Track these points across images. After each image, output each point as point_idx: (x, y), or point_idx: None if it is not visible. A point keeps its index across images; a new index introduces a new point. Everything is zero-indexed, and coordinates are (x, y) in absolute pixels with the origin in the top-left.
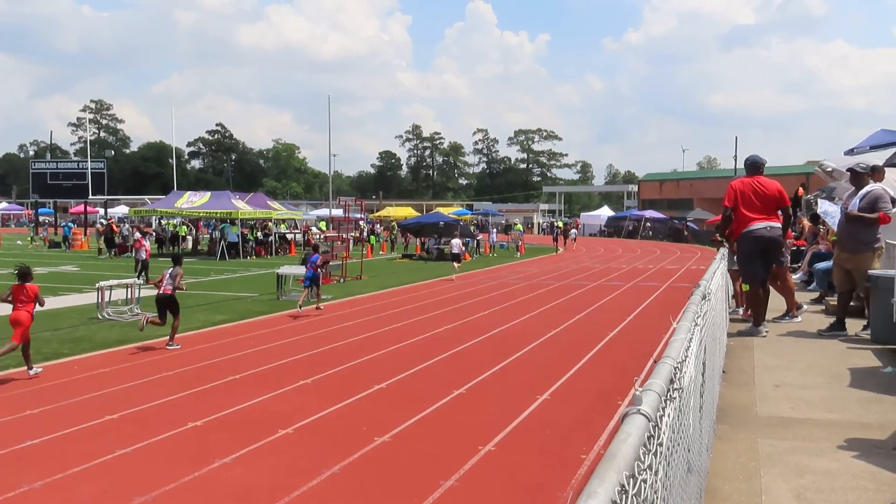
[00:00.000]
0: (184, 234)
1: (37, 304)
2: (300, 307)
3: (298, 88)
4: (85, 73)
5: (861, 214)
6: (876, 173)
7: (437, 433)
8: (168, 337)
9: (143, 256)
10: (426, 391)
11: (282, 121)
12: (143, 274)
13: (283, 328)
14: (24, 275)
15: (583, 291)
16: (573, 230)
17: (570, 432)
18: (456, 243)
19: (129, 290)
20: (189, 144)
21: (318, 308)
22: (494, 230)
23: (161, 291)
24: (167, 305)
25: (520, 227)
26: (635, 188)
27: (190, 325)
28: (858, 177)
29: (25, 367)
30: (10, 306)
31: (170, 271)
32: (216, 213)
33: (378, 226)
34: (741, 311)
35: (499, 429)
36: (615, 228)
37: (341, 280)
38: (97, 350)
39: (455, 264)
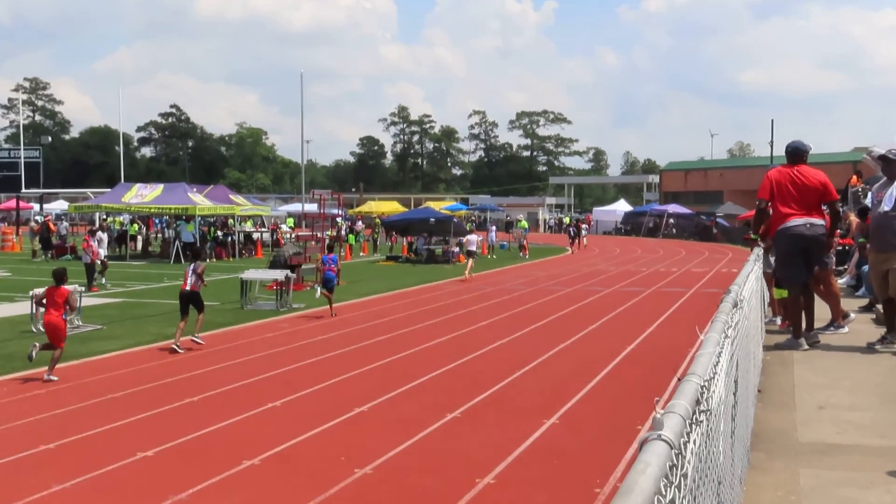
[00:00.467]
0: (134, 232)
1: (67, 308)
2: (333, 314)
3: (265, 64)
4: (17, 47)
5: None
6: None
7: (428, 464)
8: (194, 333)
9: (89, 260)
10: (415, 414)
11: (246, 102)
12: (91, 279)
13: (247, 342)
14: (59, 276)
15: (596, 299)
16: (584, 226)
17: (581, 462)
18: (474, 239)
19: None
20: (139, 129)
21: (332, 315)
22: (494, 228)
23: (185, 288)
24: (191, 301)
25: (524, 223)
26: (656, 179)
27: (139, 338)
28: (892, 165)
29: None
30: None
31: (192, 266)
32: (170, 209)
33: (360, 223)
34: (779, 320)
35: (499, 459)
36: (633, 225)
37: (316, 286)
38: (31, 369)
39: (470, 261)
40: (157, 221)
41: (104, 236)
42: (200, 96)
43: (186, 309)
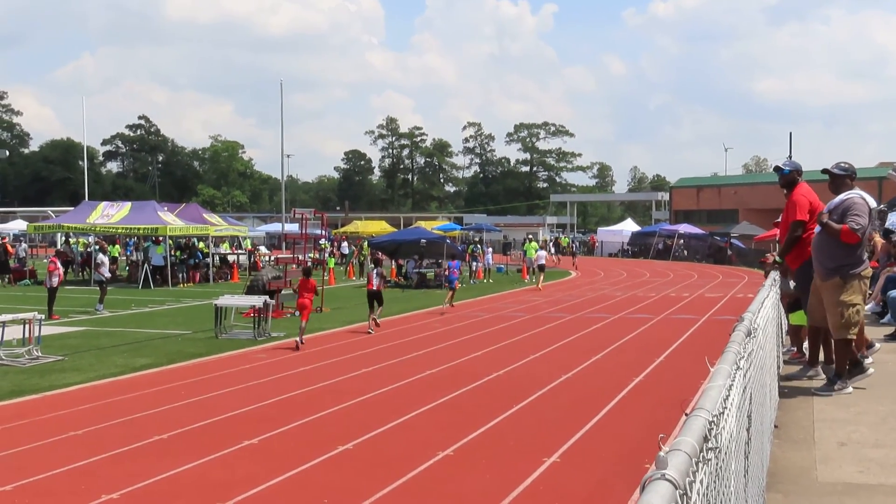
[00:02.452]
0: (116, 254)
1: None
2: (449, 303)
3: (241, 73)
4: None
5: (827, 223)
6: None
7: None
8: (374, 319)
9: (55, 284)
10: (404, 453)
11: (221, 113)
12: (52, 305)
13: (222, 374)
14: (308, 272)
15: (601, 326)
16: (541, 252)
17: None
18: (542, 255)
19: (27, 327)
20: (104, 142)
21: (451, 305)
22: (490, 250)
23: (372, 287)
24: (375, 298)
25: (535, 245)
26: (666, 196)
27: (104, 371)
28: (836, 180)
29: None
30: None
31: (375, 270)
32: (138, 230)
33: (346, 244)
34: (796, 349)
35: (495, 501)
36: (641, 247)
37: (297, 313)
38: None
39: (542, 276)
40: (129, 243)
41: (105, 259)
42: (171, 107)
43: (372, 304)
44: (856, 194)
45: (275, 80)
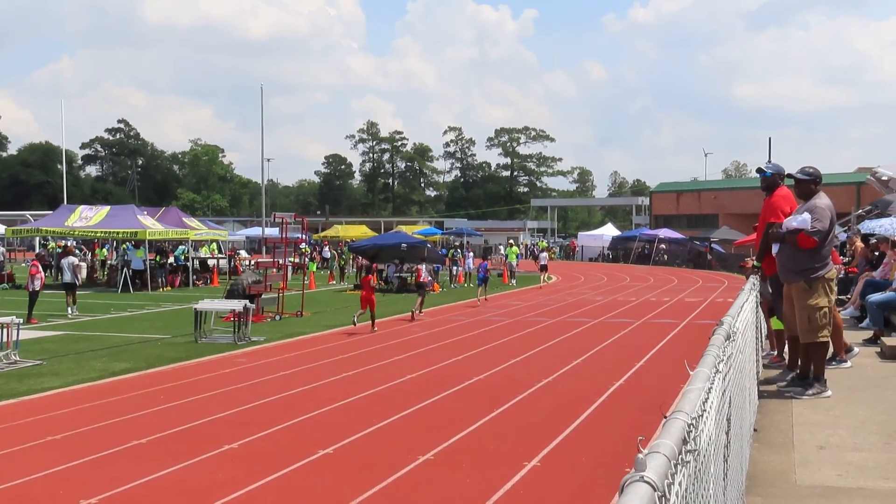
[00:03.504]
0: (103, 257)
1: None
2: (482, 298)
3: (221, 76)
4: None
5: (774, 232)
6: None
7: None
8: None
9: (37, 288)
10: (384, 457)
11: (200, 116)
12: (32, 310)
13: (202, 378)
14: (368, 268)
15: (582, 330)
16: (543, 254)
17: None
18: (544, 256)
19: (5, 331)
20: (83, 146)
21: (484, 299)
22: (471, 254)
23: (420, 279)
24: (421, 288)
25: (516, 249)
26: (646, 201)
27: (82, 375)
28: (800, 185)
29: None
30: None
31: (425, 266)
32: (117, 234)
33: (327, 248)
34: (776, 353)
35: None
36: (621, 251)
37: (277, 317)
38: None
39: (544, 274)
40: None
41: (79, 262)
42: (150, 110)
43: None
44: (820, 200)
45: (255, 83)
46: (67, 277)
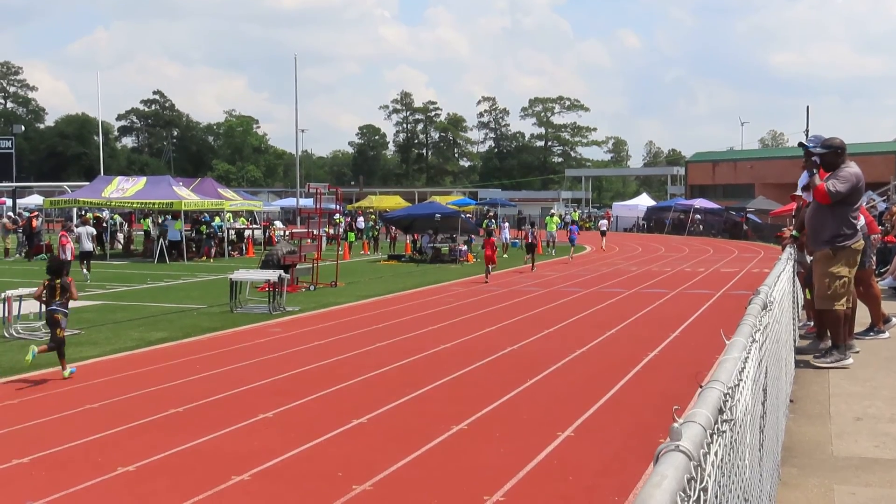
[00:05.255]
0: (147, 228)
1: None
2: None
3: (254, 47)
4: None
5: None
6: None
7: (431, 480)
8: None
9: (69, 256)
10: (418, 427)
11: (234, 87)
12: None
13: (237, 348)
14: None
15: (616, 301)
16: (573, 226)
17: (598, 478)
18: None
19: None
20: (119, 118)
21: (572, 258)
22: (507, 225)
23: (527, 241)
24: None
25: (556, 219)
26: (682, 171)
27: (121, 344)
28: (824, 158)
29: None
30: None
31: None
32: (153, 204)
33: (361, 218)
34: (812, 324)
35: (509, 474)
36: (656, 221)
37: (311, 287)
38: (3, 377)
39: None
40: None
41: (92, 230)
42: (185, 81)
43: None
44: (847, 167)
45: (288, 54)
46: (88, 246)
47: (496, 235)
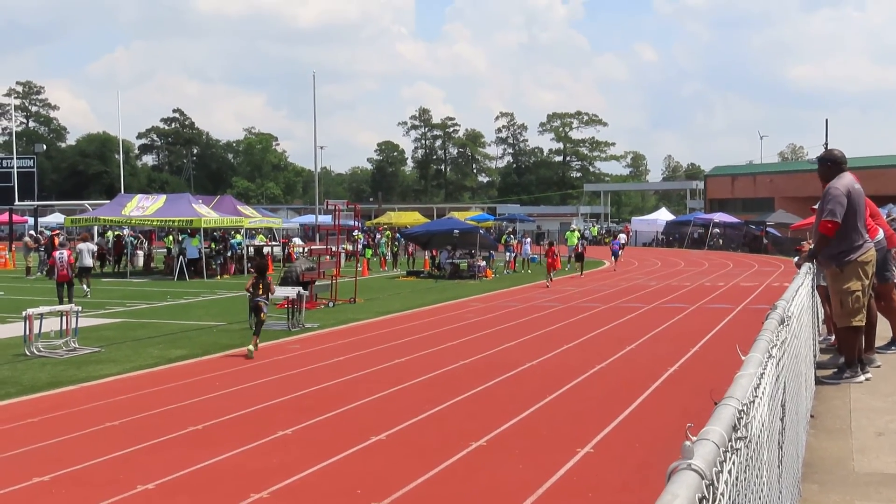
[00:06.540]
0: (170, 246)
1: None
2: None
3: (272, 65)
4: (7, 48)
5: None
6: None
7: (451, 498)
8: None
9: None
10: (436, 443)
11: (253, 105)
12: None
13: (256, 365)
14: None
15: (635, 316)
16: (580, 241)
17: (618, 495)
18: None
19: (65, 318)
20: (139, 136)
21: (613, 269)
22: (528, 240)
23: (577, 251)
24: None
25: (577, 233)
26: (700, 185)
27: (140, 362)
28: (818, 170)
29: None
30: None
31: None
32: (173, 222)
33: (378, 235)
34: (833, 338)
35: (528, 491)
36: (676, 236)
37: (330, 304)
38: (24, 395)
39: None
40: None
41: (93, 246)
42: (204, 100)
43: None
44: (835, 184)
45: (306, 71)
46: (88, 262)
47: (517, 250)
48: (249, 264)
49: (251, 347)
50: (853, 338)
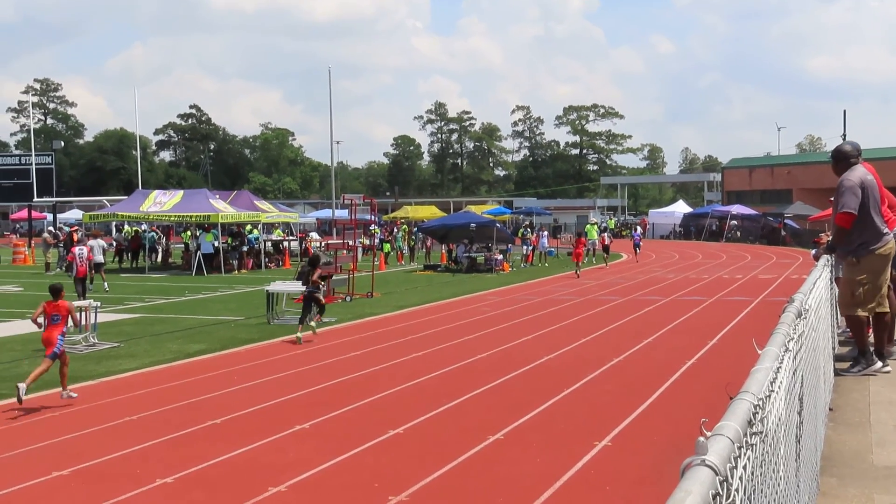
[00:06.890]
0: (187, 239)
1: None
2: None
3: (288, 60)
4: (25, 46)
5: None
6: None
7: (468, 492)
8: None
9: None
10: (454, 437)
11: (270, 100)
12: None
13: (274, 359)
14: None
15: (652, 309)
16: (605, 234)
17: (636, 488)
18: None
19: (84, 314)
20: (157, 132)
21: (636, 261)
22: (545, 233)
23: (602, 243)
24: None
25: (597, 227)
26: (718, 177)
27: (158, 357)
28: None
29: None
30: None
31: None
32: (190, 217)
33: (397, 229)
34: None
35: (546, 484)
36: (693, 228)
37: (348, 298)
38: (43, 390)
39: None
40: (177, 231)
41: (103, 243)
42: (221, 95)
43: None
44: (847, 176)
45: (321, 66)
46: (99, 258)
47: (534, 244)
48: (266, 259)
49: (313, 324)
50: (862, 326)
